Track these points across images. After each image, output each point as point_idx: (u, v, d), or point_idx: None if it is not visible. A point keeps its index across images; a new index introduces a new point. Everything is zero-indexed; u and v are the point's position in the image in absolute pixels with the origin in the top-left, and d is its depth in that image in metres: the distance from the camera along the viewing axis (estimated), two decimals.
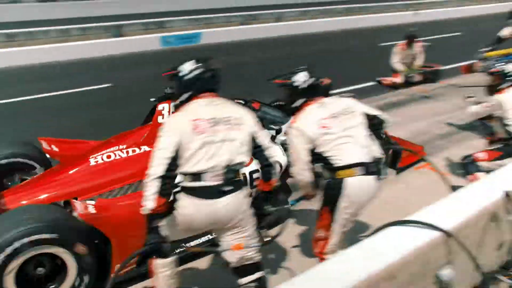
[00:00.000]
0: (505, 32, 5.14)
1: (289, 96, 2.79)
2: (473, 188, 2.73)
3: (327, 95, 4.45)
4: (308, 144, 2.54)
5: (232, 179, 2.23)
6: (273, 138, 3.93)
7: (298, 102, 2.71)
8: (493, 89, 3.79)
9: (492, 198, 2.53)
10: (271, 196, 2.54)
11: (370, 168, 2.50)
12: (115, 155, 3.15)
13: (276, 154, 2.52)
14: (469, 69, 5.93)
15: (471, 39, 12.99)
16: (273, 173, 2.46)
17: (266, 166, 2.41)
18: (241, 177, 2.33)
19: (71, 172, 3.05)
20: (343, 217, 2.56)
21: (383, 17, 19.72)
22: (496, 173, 2.92)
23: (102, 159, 3.10)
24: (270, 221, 2.61)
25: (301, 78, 2.68)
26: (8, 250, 2.35)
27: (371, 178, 2.50)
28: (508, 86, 3.67)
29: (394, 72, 8.34)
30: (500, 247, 2.83)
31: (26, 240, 2.38)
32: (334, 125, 2.53)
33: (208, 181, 2.20)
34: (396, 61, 8.29)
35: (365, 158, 2.51)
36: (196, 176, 2.20)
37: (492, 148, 3.87)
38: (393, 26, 17.81)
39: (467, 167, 3.81)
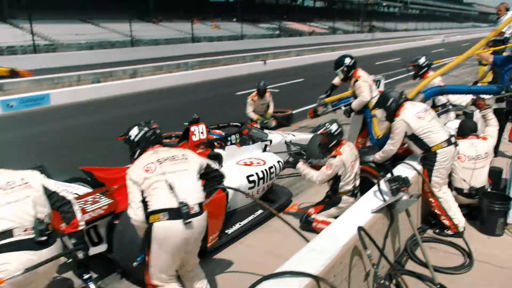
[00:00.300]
0: (336, 80, 5.89)
1: (129, 149, 3.01)
2: (332, 228, 2.88)
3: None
4: (137, 187, 2.68)
5: (44, 231, 2.30)
6: (265, 148, 5.30)
7: (136, 153, 2.93)
8: (325, 148, 4.24)
9: (349, 234, 2.70)
10: (81, 236, 2.64)
11: (177, 212, 2.59)
12: None
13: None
14: (314, 114, 6.58)
15: (312, 84, 14.58)
16: (74, 211, 2.55)
17: (63, 205, 2.53)
18: (52, 229, 2.39)
19: None
20: (160, 262, 2.66)
21: (236, 68, 20.96)
22: (349, 211, 3.14)
23: None
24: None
25: (134, 132, 2.96)
26: None
27: (176, 223, 2.59)
28: (339, 145, 4.14)
29: (252, 121, 8.80)
30: (367, 277, 3.02)
31: None
32: (156, 169, 2.70)
33: (19, 236, 2.24)
34: (250, 111, 8.85)
35: (172, 203, 2.61)
36: (4, 233, 2.22)
37: (316, 203, 4.40)
38: (246, 76, 19.06)
39: (307, 221, 4.25)
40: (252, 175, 4.44)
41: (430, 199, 4.00)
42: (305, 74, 18.88)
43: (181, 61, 21.28)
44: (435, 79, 5.37)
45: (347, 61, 5.35)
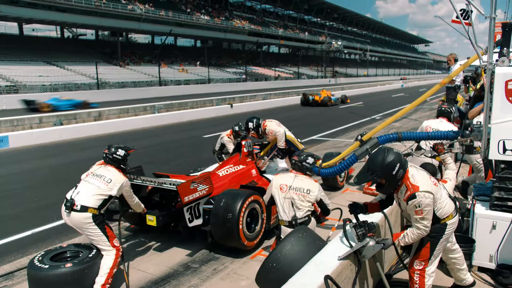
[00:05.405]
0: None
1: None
2: (299, 277, 2.81)
3: None
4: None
5: None
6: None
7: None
8: None
9: (316, 284, 2.64)
10: None
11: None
12: (229, 170, 5.64)
13: None
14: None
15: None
16: None
17: None
18: None
19: (217, 177, 5.41)
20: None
21: (203, 111, 21.07)
22: (316, 258, 3.09)
23: (226, 172, 5.60)
24: None
25: None
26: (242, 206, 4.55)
27: None
28: None
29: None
30: None
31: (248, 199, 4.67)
32: None
33: None
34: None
35: None
36: None
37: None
38: (212, 119, 19.17)
39: None
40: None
41: (415, 278, 3.24)
42: (270, 118, 19.11)
43: (148, 104, 21.23)
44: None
45: (250, 125, 5.97)
